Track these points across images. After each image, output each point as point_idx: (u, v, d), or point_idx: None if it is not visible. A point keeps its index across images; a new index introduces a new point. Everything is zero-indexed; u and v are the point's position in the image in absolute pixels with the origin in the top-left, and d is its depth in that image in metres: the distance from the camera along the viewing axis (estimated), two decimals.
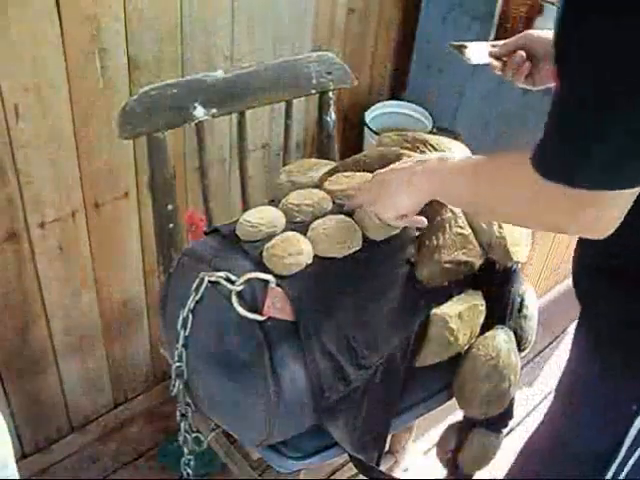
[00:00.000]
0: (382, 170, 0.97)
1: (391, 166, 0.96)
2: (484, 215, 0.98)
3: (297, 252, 0.93)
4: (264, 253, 0.93)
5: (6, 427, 0.76)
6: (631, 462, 0.85)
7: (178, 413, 1.08)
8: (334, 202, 1.03)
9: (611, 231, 0.70)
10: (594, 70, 0.62)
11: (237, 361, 0.91)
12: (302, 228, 0.98)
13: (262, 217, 0.98)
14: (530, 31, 1.04)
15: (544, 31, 1.04)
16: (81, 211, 1.38)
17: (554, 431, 0.97)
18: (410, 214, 0.94)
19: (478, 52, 1.05)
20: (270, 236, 0.96)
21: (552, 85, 1.08)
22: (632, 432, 0.83)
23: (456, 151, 1.11)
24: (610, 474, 0.86)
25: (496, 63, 1.04)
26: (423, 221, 0.97)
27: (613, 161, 0.63)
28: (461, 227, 1.02)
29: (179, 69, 1.40)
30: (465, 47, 1.05)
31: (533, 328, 1.17)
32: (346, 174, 1.08)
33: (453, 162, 0.87)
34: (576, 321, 0.92)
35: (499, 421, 1.14)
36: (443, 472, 1.24)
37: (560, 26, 0.67)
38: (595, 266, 0.85)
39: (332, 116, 1.40)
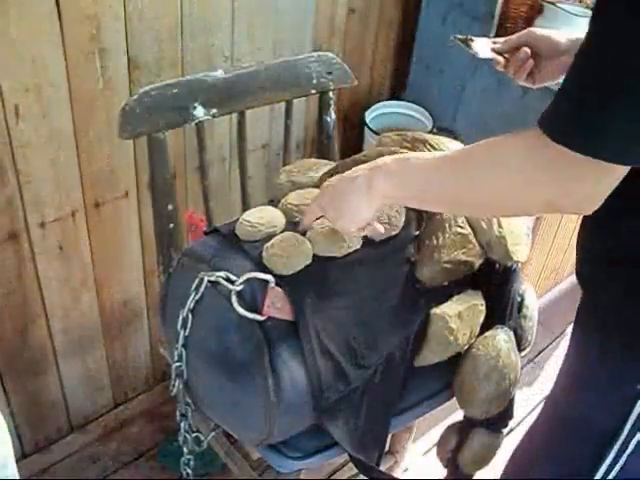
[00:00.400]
0: (331, 181, 0.92)
1: (341, 176, 0.91)
2: (465, 208, 0.89)
3: (296, 252, 0.93)
4: (264, 253, 0.93)
5: (6, 427, 0.76)
6: (633, 442, 0.85)
7: (178, 413, 1.08)
8: None
9: (594, 209, 0.70)
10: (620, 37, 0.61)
11: (237, 361, 0.91)
12: None
13: (262, 217, 0.98)
14: (533, 29, 1.04)
15: (547, 29, 1.04)
16: (81, 211, 1.38)
17: (556, 414, 0.96)
18: (371, 222, 0.92)
19: (481, 47, 1.04)
20: (270, 236, 0.96)
21: (552, 83, 1.08)
22: (635, 412, 0.83)
23: None
24: (612, 454, 0.86)
25: (500, 59, 1.04)
26: (380, 230, 0.96)
27: (623, 133, 0.63)
28: (461, 227, 1.02)
29: (179, 69, 1.40)
30: (471, 40, 1.04)
31: (533, 328, 1.17)
32: None
33: (418, 160, 0.83)
34: (576, 309, 0.93)
35: (499, 421, 1.13)
36: (443, 472, 1.24)
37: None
38: (596, 253, 0.86)
39: (332, 116, 1.40)
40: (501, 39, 1.06)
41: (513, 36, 1.05)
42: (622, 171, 0.66)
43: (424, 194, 0.83)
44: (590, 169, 0.66)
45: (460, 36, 1.05)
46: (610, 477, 0.88)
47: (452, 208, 0.91)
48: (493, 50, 1.05)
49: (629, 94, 0.62)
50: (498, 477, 1.12)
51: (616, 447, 0.85)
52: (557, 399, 0.97)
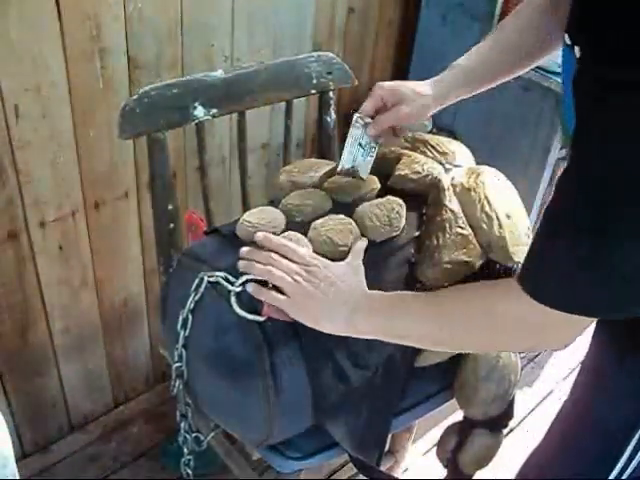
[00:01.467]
0: (308, 285, 0.85)
1: (319, 291, 0.85)
2: (444, 347, 0.92)
3: None
4: None
5: (6, 427, 0.76)
6: None
7: (178, 413, 1.08)
8: (334, 201, 1.02)
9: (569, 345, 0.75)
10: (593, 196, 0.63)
11: (237, 361, 0.91)
12: (302, 228, 0.98)
13: (262, 217, 0.98)
14: (380, 83, 1.01)
15: (391, 83, 1.01)
16: (81, 211, 1.38)
17: (575, 414, 0.96)
18: None
19: (366, 165, 1.00)
20: None
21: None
22: None
23: (456, 151, 1.11)
24: (627, 452, 0.86)
25: (393, 141, 1.03)
26: None
27: (610, 290, 0.66)
28: (461, 227, 1.02)
29: (179, 69, 1.40)
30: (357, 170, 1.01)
31: None
32: None
33: (402, 299, 0.85)
34: None
35: (499, 421, 1.13)
36: (443, 472, 1.24)
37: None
38: None
39: (332, 116, 1.40)
40: (366, 107, 1.01)
41: (371, 97, 1.00)
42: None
43: (408, 338, 0.85)
44: (566, 321, 0.70)
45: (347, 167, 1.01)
46: (624, 477, 0.88)
47: (435, 348, 0.93)
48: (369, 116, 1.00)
49: (597, 258, 0.64)
50: (498, 477, 1.12)
51: (631, 445, 0.86)
52: (576, 400, 0.97)
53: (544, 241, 0.70)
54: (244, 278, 0.89)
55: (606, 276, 0.65)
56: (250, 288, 0.87)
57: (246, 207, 1.38)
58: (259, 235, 0.91)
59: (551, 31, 0.94)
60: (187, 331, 0.96)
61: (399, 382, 1.03)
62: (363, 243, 0.95)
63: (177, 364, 1.00)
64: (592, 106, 0.63)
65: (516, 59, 1.03)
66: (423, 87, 1.01)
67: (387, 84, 1.00)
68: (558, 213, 0.68)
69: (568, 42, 0.69)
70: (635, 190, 0.60)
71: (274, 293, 0.87)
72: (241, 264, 0.89)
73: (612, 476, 0.88)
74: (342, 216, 0.99)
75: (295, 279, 0.86)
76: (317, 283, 0.86)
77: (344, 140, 1.02)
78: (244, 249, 0.91)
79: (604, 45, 0.61)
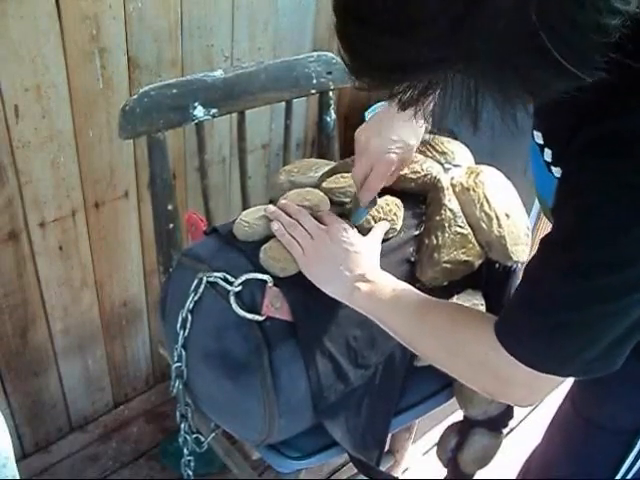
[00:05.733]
0: (330, 237, 0.91)
1: (334, 253, 0.90)
2: (414, 350, 0.90)
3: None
4: (261, 255, 0.93)
5: (6, 427, 0.76)
6: None
7: (178, 414, 1.08)
8: (332, 202, 1.02)
9: (531, 405, 0.76)
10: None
11: (236, 361, 0.91)
12: None
13: (259, 217, 0.98)
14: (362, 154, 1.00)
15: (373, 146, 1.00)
16: (81, 211, 1.38)
17: (576, 414, 0.96)
18: None
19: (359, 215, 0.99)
20: (268, 237, 0.96)
21: None
22: None
23: (455, 150, 1.11)
24: (634, 452, 0.86)
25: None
26: None
27: (583, 354, 0.66)
28: (460, 226, 1.02)
29: (179, 69, 1.40)
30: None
31: None
32: (345, 175, 1.08)
33: (403, 293, 0.85)
34: None
35: (499, 421, 1.13)
36: (443, 472, 1.24)
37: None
38: None
39: (332, 116, 1.40)
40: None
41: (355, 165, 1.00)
42: (559, 380, 0.71)
43: (386, 326, 0.85)
44: (530, 377, 0.70)
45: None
46: (629, 477, 0.88)
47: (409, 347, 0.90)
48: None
49: (567, 323, 0.65)
50: (498, 477, 1.12)
51: (638, 446, 0.85)
52: (577, 400, 0.96)
53: (524, 296, 0.71)
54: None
55: (579, 342, 0.65)
56: (275, 226, 0.93)
57: (246, 207, 1.38)
58: (282, 201, 0.98)
59: None
60: (186, 331, 0.96)
61: (399, 381, 1.03)
62: (385, 225, 0.97)
63: (177, 364, 1.00)
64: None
65: None
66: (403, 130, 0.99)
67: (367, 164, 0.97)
68: (537, 275, 0.68)
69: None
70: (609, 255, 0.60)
71: (293, 241, 0.91)
72: (269, 209, 0.96)
73: (619, 476, 0.88)
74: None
75: (313, 237, 0.92)
76: (332, 245, 0.90)
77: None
78: (271, 207, 0.97)
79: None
